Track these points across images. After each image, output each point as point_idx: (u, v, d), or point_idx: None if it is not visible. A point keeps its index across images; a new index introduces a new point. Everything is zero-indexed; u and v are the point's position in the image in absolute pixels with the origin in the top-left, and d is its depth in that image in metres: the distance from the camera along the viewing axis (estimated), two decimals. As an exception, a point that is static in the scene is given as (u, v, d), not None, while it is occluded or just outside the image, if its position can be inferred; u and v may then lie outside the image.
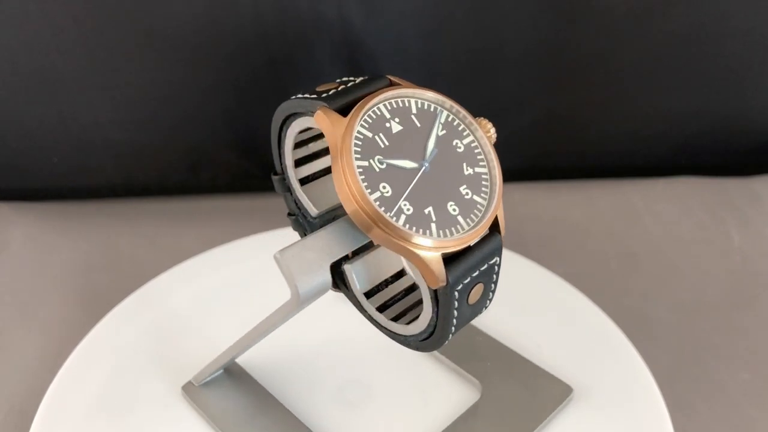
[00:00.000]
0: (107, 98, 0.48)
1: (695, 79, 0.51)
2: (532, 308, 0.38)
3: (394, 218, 0.22)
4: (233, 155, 0.52)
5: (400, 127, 0.24)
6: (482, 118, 0.26)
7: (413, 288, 0.28)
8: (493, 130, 0.26)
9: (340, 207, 0.29)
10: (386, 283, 0.28)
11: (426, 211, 0.23)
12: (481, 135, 0.26)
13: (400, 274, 0.28)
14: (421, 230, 0.23)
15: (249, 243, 0.43)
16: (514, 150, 0.52)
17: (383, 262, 0.28)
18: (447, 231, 0.23)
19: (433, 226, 0.23)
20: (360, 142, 0.23)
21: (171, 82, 0.48)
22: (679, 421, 0.34)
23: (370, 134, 0.23)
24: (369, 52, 0.48)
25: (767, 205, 0.52)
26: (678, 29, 0.48)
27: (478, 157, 0.25)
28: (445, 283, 0.23)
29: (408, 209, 0.23)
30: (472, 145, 0.25)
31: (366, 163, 0.23)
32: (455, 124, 0.25)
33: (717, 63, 0.50)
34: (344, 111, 0.24)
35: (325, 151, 0.28)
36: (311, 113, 0.24)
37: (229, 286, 0.40)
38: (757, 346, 0.41)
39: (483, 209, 0.24)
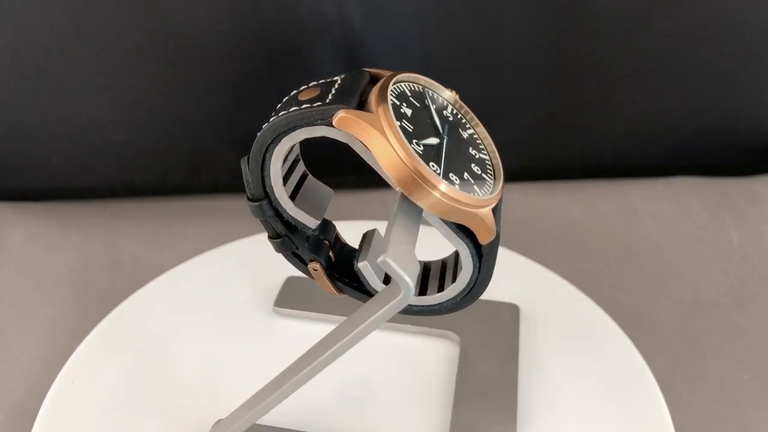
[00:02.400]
0: (107, 98, 0.48)
1: (695, 79, 0.51)
2: (532, 308, 0.38)
3: (453, 189, 0.24)
4: (233, 155, 0.52)
5: (410, 110, 0.25)
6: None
7: None
8: (454, 92, 0.27)
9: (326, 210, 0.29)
10: None
11: (465, 176, 0.25)
12: (455, 100, 0.27)
13: None
14: (472, 193, 0.24)
15: (249, 243, 0.43)
16: (514, 150, 0.52)
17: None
18: (484, 189, 0.25)
19: (476, 187, 0.25)
20: None
21: (171, 82, 0.48)
22: (679, 421, 0.34)
23: (397, 123, 0.24)
24: (369, 52, 0.48)
25: (767, 205, 0.52)
26: (678, 29, 0.48)
27: (462, 121, 0.27)
28: (495, 235, 0.25)
29: (455, 179, 0.24)
30: (454, 111, 0.27)
31: (412, 149, 0.23)
32: (435, 97, 0.27)
33: (717, 63, 0.50)
34: (360, 109, 0.24)
35: (297, 160, 0.28)
36: (320, 121, 0.24)
37: (230, 286, 0.40)
38: (757, 346, 0.41)
39: (491, 164, 0.26)
